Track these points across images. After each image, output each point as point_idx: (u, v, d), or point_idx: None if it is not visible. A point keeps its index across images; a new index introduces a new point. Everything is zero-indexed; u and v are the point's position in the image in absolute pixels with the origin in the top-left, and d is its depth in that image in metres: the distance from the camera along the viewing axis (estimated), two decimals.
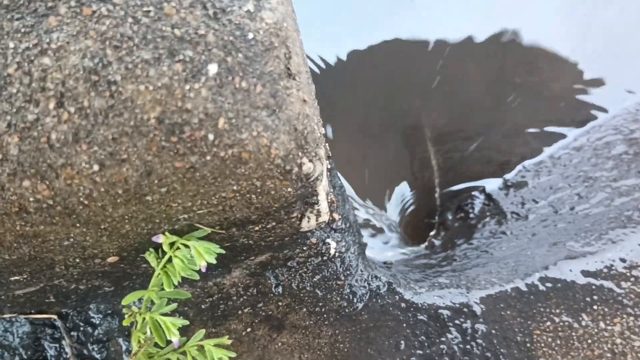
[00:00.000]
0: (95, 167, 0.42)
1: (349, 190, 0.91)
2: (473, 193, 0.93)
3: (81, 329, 0.66)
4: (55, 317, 0.66)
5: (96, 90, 0.40)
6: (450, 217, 0.93)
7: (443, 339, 0.66)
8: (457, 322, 0.67)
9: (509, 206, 0.87)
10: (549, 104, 0.97)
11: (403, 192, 0.97)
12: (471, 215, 0.90)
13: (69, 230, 0.47)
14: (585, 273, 0.70)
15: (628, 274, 0.70)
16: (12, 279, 0.54)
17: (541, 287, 0.69)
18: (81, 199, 0.44)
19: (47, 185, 0.42)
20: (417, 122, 0.96)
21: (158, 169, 0.44)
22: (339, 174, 0.75)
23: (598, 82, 0.95)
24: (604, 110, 0.92)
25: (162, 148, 0.43)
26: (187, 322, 0.56)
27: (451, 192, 0.97)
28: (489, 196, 0.90)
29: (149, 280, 0.61)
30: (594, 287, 0.69)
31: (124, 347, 0.66)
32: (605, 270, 0.71)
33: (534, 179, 0.90)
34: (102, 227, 0.48)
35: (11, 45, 0.39)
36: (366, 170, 0.96)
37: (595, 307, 0.68)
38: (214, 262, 0.52)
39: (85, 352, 0.66)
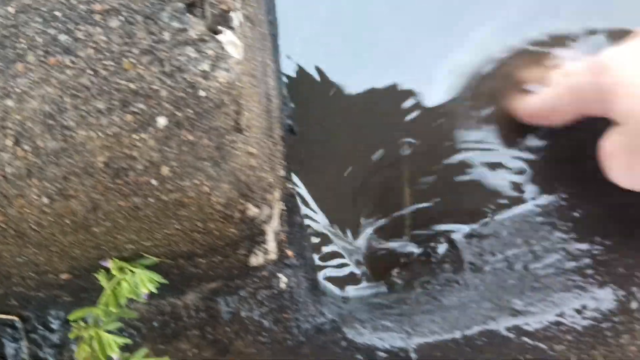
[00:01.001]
0: (45, 200, 0.47)
1: (322, 220, 0.95)
2: (439, 238, 0.97)
3: (39, 332, 0.71)
4: (17, 318, 0.70)
5: (51, 133, 0.45)
6: (414, 258, 0.96)
7: None
8: None
9: (468, 256, 0.90)
10: None
11: (373, 228, 1.01)
12: (433, 260, 0.94)
13: (21, 250, 0.52)
14: (522, 332, 0.74)
15: (562, 337, 0.73)
16: None
17: (477, 341, 0.73)
18: (32, 226, 0.49)
19: (1, 211, 0.47)
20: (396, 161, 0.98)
21: (104, 206, 0.49)
22: (307, 211, 0.79)
23: None
24: None
25: (108, 188, 0.48)
26: (129, 341, 0.60)
27: (421, 235, 1.00)
28: (452, 243, 0.93)
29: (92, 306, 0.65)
30: (528, 346, 0.73)
31: None
32: (541, 331, 0.74)
33: (497, 232, 0.93)
34: (53, 249, 0.53)
35: None
36: (340, 201, 0.99)
37: None
38: (155, 291, 0.56)
39: (41, 354, 0.70)
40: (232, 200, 0.53)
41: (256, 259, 0.66)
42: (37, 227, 0.49)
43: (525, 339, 0.73)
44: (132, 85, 0.47)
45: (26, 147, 0.45)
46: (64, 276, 0.60)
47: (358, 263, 0.94)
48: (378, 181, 0.98)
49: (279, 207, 0.64)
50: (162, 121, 0.47)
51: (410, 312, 0.80)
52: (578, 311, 0.75)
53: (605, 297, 0.75)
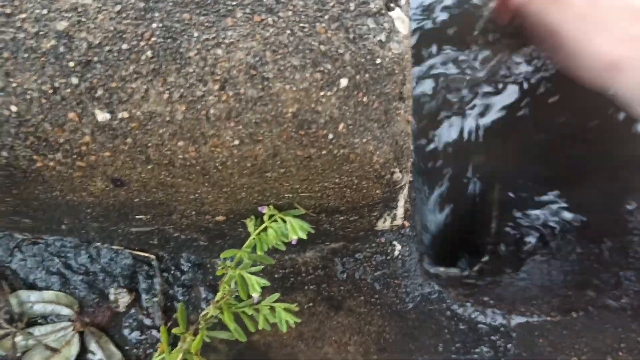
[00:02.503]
0: (236, 142, 0.53)
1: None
2: (528, 231, 1.01)
3: (171, 272, 0.77)
4: (153, 257, 0.77)
5: (252, 82, 0.51)
6: (503, 248, 1.01)
7: (477, 350, 0.75)
8: (492, 338, 0.75)
9: (560, 245, 0.94)
10: None
11: (461, 217, 1.05)
12: (523, 249, 0.98)
13: (198, 187, 0.58)
14: (619, 320, 0.78)
15: None
16: (137, 217, 0.65)
17: (576, 326, 0.77)
18: (217, 165, 0.55)
19: (195, 149, 0.53)
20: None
21: (283, 153, 0.55)
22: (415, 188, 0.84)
23: None
24: None
25: (291, 137, 0.53)
26: (268, 283, 0.66)
27: (506, 226, 1.04)
28: (542, 236, 0.97)
29: (238, 244, 0.71)
30: (621, 335, 0.77)
31: (203, 295, 0.76)
32: None
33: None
34: (224, 190, 0.59)
35: (195, 34, 0.50)
36: (432, 191, 1.05)
37: (620, 353, 0.75)
38: (305, 238, 0.62)
39: (170, 292, 0.77)
40: (388, 162, 0.58)
41: (383, 223, 0.71)
42: (221, 167, 0.55)
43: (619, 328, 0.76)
44: (322, 47, 0.52)
45: (230, 93, 0.51)
46: (219, 218, 0.66)
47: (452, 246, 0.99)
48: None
49: (410, 177, 0.69)
50: (344, 82, 0.53)
51: (506, 292, 0.84)
52: None
53: None
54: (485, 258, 1.03)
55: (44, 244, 0.76)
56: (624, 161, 0.95)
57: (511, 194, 1.05)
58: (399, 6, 0.58)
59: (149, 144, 0.52)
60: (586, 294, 0.83)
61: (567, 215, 1.00)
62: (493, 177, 1.05)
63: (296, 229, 0.62)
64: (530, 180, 1.03)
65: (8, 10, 0.49)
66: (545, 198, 1.02)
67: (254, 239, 0.66)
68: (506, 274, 0.92)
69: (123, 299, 0.76)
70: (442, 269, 0.94)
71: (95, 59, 0.49)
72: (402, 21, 0.57)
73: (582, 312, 0.78)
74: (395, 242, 0.76)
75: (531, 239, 0.99)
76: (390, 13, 0.56)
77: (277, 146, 0.54)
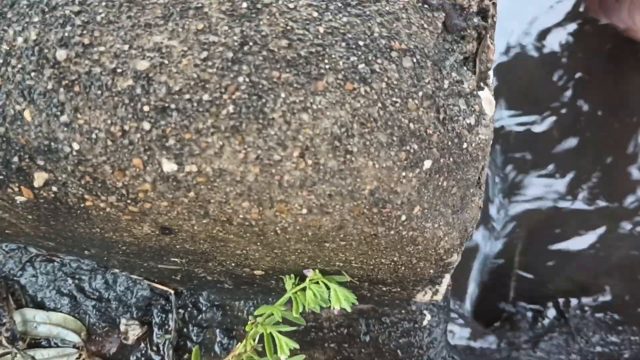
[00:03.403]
0: (304, 211, 0.49)
1: None
2: (547, 304, 0.98)
3: (188, 309, 0.73)
4: (172, 291, 0.73)
5: (334, 154, 0.47)
6: (519, 318, 0.98)
7: None
8: None
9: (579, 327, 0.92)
10: None
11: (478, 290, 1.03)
12: (539, 324, 0.95)
13: (248, 245, 0.54)
14: None
15: None
16: (172, 259, 0.61)
17: None
18: (277, 229, 0.51)
19: (259, 211, 0.49)
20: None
21: (349, 228, 0.51)
22: None
23: None
24: None
25: (362, 214, 0.50)
26: (297, 346, 0.62)
27: (523, 297, 1.01)
28: (561, 312, 0.95)
29: (265, 292, 0.68)
30: None
31: (218, 338, 0.73)
32: None
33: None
34: (275, 251, 0.55)
35: (282, 95, 0.47)
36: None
37: None
38: (349, 309, 0.59)
39: (184, 330, 0.73)
40: (453, 247, 0.55)
41: (422, 297, 0.68)
42: (280, 232, 0.51)
43: None
44: (412, 126, 0.49)
45: (309, 161, 0.48)
46: (257, 272, 0.62)
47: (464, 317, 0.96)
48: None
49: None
50: (427, 164, 0.50)
51: None
52: None
53: None
54: (497, 323, 1.01)
55: (59, 262, 0.72)
56: None
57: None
58: (487, 85, 0.55)
59: (212, 200, 0.49)
60: None
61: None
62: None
63: (340, 299, 0.59)
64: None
65: (86, 41, 0.45)
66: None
67: (289, 297, 0.62)
68: (523, 350, 0.89)
69: (134, 331, 0.72)
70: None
71: (173, 106, 0.45)
72: (489, 102, 0.54)
73: None
74: (425, 312, 0.73)
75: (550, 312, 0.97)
76: (480, 93, 0.53)
77: (345, 220, 0.50)
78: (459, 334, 0.89)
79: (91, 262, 0.71)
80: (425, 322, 0.73)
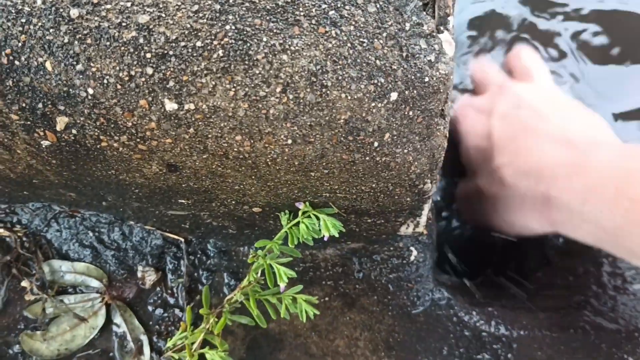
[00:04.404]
0: (289, 141, 0.57)
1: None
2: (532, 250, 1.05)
3: (198, 256, 0.81)
4: (182, 240, 0.81)
5: (312, 88, 0.55)
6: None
7: (479, 356, 0.79)
8: (494, 346, 0.80)
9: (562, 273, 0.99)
10: None
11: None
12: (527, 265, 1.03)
13: (245, 179, 0.62)
14: (610, 343, 0.82)
15: None
16: (180, 201, 0.69)
17: (573, 344, 0.82)
18: (267, 160, 0.59)
19: (251, 144, 0.57)
20: None
21: (329, 155, 0.59)
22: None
23: None
24: None
25: (340, 142, 0.58)
26: (295, 274, 0.70)
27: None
28: (545, 255, 1.02)
29: (266, 235, 0.76)
30: (615, 355, 0.82)
31: (225, 281, 0.81)
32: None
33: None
34: (269, 184, 0.63)
35: (264, 39, 0.54)
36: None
37: None
38: (337, 235, 0.66)
39: (195, 275, 0.81)
40: (423, 173, 0.63)
41: (406, 229, 0.76)
42: (271, 162, 0.59)
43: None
44: (378, 62, 0.57)
45: (290, 96, 0.55)
46: (256, 209, 0.70)
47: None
48: None
49: (435, 188, 0.74)
50: (394, 96, 0.57)
51: (510, 306, 0.89)
52: None
53: None
54: (489, 271, 1.08)
55: (80, 217, 0.80)
56: None
57: None
58: (447, 30, 0.62)
59: (209, 135, 0.56)
60: (584, 314, 0.87)
61: None
62: None
63: (329, 227, 0.66)
64: None
65: (95, 0, 0.53)
66: None
67: (286, 232, 0.70)
68: (511, 288, 0.96)
69: (150, 277, 0.80)
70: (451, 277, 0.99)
71: (171, 52, 0.53)
72: (449, 44, 0.61)
73: (580, 330, 0.83)
74: (412, 248, 0.81)
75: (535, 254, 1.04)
76: (440, 36, 0.61)
77: (326, 149, 0.58)
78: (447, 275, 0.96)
79: (109, 216, 0.79)
80: (412, 258, 0.81)
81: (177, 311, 0.80)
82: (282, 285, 0.69)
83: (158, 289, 0.80)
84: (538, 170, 0.78)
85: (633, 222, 0.67)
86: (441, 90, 0.60)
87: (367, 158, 0.59)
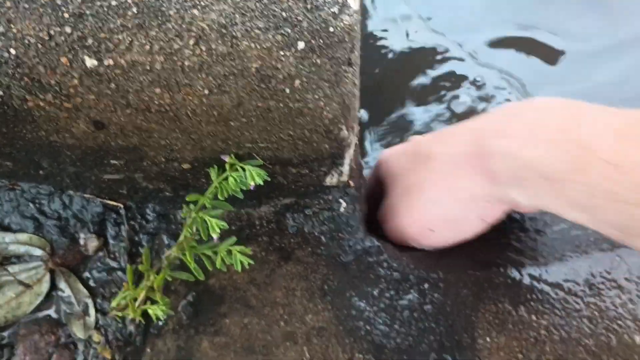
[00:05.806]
0: (206, 92, 0.62)
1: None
2: None
3: (138, 221, 0.85)
4: (121, 206, 0.85)
5: (223, 40, 0.60)
6: None
7: (408, 296, 0.85)
8: (421, 287, 0.86)
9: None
10: None
11: None
12: None
13: (169, 133, 0.67)
14: (531, 276, 0.89)
15: (564, 286, 0.88)
16: (112, 161, 0.73)
17: (495, 280, 0.88)
18: (188, 112, 0.63)
19: (170, 96, 0.62)
20: None
21: (246, 104, 0.64)
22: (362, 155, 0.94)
23: None
24: None
25: (253, 90, 0.62)
26: (226, 225, 0.74)
27: None
28: None
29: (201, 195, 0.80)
30: (535, 288, 0.88)
31: (166, 243, 0.84)
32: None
33: None
34: (192, 136, 0.67)
35: None
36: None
37: (532, 303, 0.87)
38: (262, 183, 0.71)
39: (136, 239, 0.85)
40: (336, 118, 0.68)
41: (330, 179, 0.81)
42: (191, 114, 0.64)
43: (534, 282, 0.88)
44: (284, 14, 0.61)
45: (203, 48, 0.60)
46: (185, 166, 0.75)
47: None
48: None
49: (355, 139, 0.79)
50: (301, 45, 0.62)
51: (437, 250, 0.95)
52: None
53: None
54: None
55: (20, 190, 0.83)
56: None
57: None
58: None
59: (130, 90, 0.61)
60: (507, 254, 0.94)
61: None
62: None
63: (254, 176, 0.71)
64: None
65: None
66: None
67: (215, 187, 0.74)
68: None
69: (92, 243, 0.83)
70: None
71: (88, 12, 0.57)
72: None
73: (502, 268, 0.89)
74: (341, 200, 0.86)
75: None
76: None
77: (241, 97, 0.63)
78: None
79: (48, 187, 0.82)
80: (342, 210, 0.86)
81: (120, 274, 0.84)
82: (215, 237, 0.74)
83: (101, 254, 0.84)
84: (469, 129, 0.78)
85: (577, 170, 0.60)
86: (346, 40, 0.65)
87: (281, 105, 0.64)
